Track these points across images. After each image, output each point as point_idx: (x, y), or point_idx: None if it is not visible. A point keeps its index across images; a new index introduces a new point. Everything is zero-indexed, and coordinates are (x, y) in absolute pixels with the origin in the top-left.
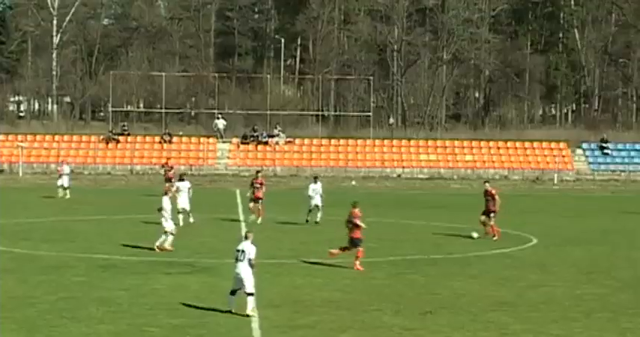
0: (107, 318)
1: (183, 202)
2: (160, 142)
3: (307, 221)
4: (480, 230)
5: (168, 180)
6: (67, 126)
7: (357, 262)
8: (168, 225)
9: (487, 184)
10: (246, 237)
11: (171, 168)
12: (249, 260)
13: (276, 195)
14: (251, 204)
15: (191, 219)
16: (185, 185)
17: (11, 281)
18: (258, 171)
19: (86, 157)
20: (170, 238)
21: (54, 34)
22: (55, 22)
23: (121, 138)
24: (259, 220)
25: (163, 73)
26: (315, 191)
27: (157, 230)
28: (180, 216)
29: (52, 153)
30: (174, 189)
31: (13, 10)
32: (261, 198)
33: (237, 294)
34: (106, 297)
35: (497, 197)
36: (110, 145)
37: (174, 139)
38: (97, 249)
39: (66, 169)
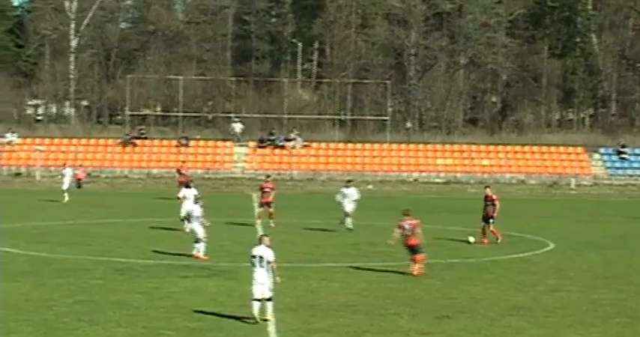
0: (124, 321)
1: (189, 208)
2: (177, 146)
3: (342, 222)
4: (477, 234)
5: (187, 185)
6: (85, 130)
7: (417, 266)
8: (200, 231)
9: (488, 189)
10: (260, 241)
11: (186, 171)
12: (270, 264)
13: (292, 199)
14: (260, 209)
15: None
16: (191, 192)
17: (28, 284)
18: (267, 176)
19: (103, 161)
20: (203, 245)
21: (71, 37)
22: (72, 25)
23: (138, 141)
24: (272, 223)
25: (180, 77)
26: (348, 196)
27: (174, 234)
28: (187, 222)
29: (70, 157)
30: (180, 195)
31: (31, 14)
32: (271, 203)
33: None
34: (123, 300)
35: (497, 202)
36: (127, 149)
37: (191, 143)
38: (114, 252)
39: (68, 172)
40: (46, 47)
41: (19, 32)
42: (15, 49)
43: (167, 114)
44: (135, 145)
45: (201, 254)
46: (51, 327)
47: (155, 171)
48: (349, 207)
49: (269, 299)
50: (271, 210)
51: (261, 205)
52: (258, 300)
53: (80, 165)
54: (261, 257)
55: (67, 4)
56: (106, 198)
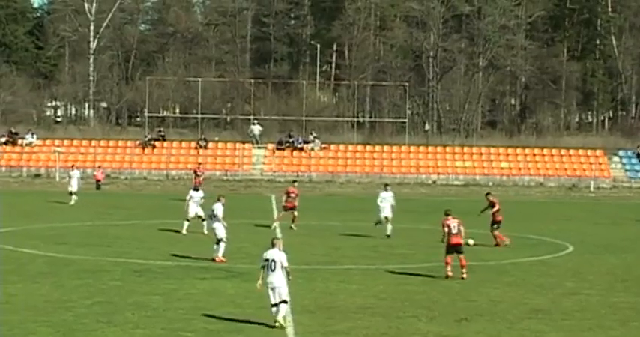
0: (143, 323)
1: (194, 210)
2: (196, 147)
3: (378, 224)
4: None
5: (195, 188)
6: (104, 131)
7: (464, 270)
8: (220, 232)
9: (490, 196)
10: (273, 245)
11: (202, 173)
12: (285, 268)
13: (310, 201)
14: (283, 213)
15: (204, 230)
16: (199, 195)
17: (47, 285)
18: (294, 181)
19: (122, 162)
20: (223, 246)
21: (91, 39)
22: (92, 27)
23: (157, 143)
24: (294, 227)
25: (199, 79)
26: (386, 200)
27: (192, 236)
28: (186, 224)
29: (89, 158)
30: (187, 197)
31: (51, 16)
32: (295, 207)
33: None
34: (142, 302)
35: (497, 206)
36: (146, 150)
37: (210, 145)
38: (132, 253)
39: (76, 174)
40: (66, 49)
41: (39, 34)
42: (35, 50)
43: (186, 115)
44: (154, 147)
45: (219, 255)
46: (70, 328)
47: (174, 172)
48: (387, 211)
49: (285, 302)
50: (295, 213)
51: (286, 209)
52: (276, 305)
53: (99, 167)
54: (274, 260)
55: (86, 5)
56: (125, 199)
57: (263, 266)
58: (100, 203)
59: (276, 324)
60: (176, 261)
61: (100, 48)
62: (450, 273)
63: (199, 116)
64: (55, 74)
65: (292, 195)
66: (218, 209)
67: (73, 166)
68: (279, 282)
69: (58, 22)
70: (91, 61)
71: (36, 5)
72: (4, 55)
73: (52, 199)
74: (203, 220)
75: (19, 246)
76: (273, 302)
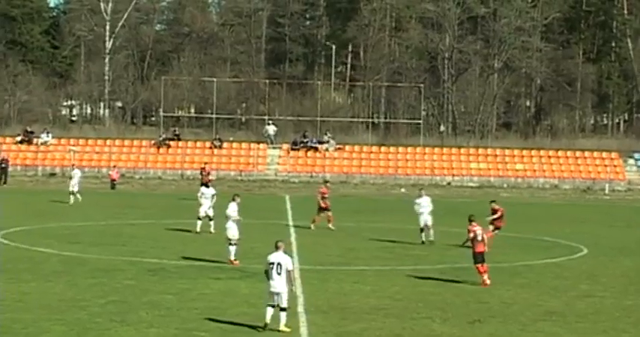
0: (156, 322)
1: (205, 209)
2: (211, 147)
3: (423, 242)
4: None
5: (205, 185)
6: (119, 131)
7: (485, 276)
8: (231, 233)
9: (494, 203)
10: (277, 247)
11: (209, 173)
12: (289, 273)
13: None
14: (319, 215)
15: (212, 229)
16: (209, 192)
17: (62, 284)
18: (326, 181)
19: (137, 162)
20: (234, 248)
21: (106, 39)
22: (107, 27)
23: (171, 143)
24: (332, 227)
25: (214, 79)
26: (422, 206)
27: (206, 236)
28: (199, 223)
29: (104, 158)
30: (198, 194)
31: (67, 15)
32: (328, 207)
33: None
34: (156, 301)
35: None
36: (161, 150)
37: (225, 145)
38: (146, 253)
39: (77, 174)
40: (82, 48)
41: (54, 33)
42: (50, 49)
43: (201, 115)
44: (169, 146)
45: (231, 258)
46: (84, 327)
47: (189, 172)
48: (425, 219)
49: (283, 309)
50: (329, 213)
51: (321, 210)
52: (272, 306)
53: (114, 166)
54: (279, 264)
55: (102, 5)
56: (140, 198)
57: (267, 270)
58: (115, 202)
59: (278, 331)
60: (190, 261)
61: (116, 47)
62: (487, 281)
63: (214, 116)
64: (70, 73)
65: (326, 195)
66: (232, 208)
67: (73, 166)
68: (281, 287)
69: (73, 21)
70: (107, 60)
71: (52, 4)
72: (20, 54)
73: (66, 198)
74: (210, 220)
75: (34, 244)
76: (269, 302)
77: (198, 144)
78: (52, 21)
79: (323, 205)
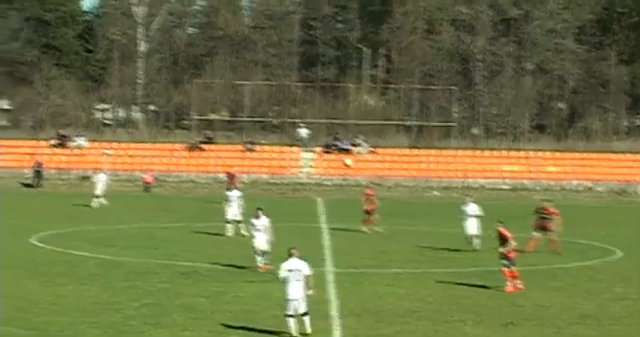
0: (190, 325)
1: (233, 212)
2: (243, 151)
3: (475, 249)
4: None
5: (230, 188)
6: (152, 134)
7: (517, 282)
8: (258, 243)
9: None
10: (290, 255)
11: (233, 176)
12: (307, 277)
13: (358, 205)
14: (367, 216)
15: (243, 232)
16: (234, 194)
17: (96, 287)
18: (371, 183)
19: (170, 165)
20: (260, 258)
21: (140, 42)
22: (140, 30)
23: (204, 146)
24: (379, 229)
25: (247, 82)
26: (468, 214)
27: (238, 239)
28: (229, 226)
29: (137, 161)
30: (225, 199)
31: (100, 19)
32: (372, 210)
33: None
34: (189, 304)
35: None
36: (194, 153)
37: (257, 148)
38: (180, 256)
39: (101, 178)
40: (115, 52)
41: (88, 37)
42: (84, 53)
43: (233, 119)
44: (201, 150)
45: (260, 265)
46: (118, 330)
47: (221, 175)
48: (471, 228)
49: (305, 314)
50: (376, 215)
51: (368, 212)
52: (292, 316)
53: (148, 170)
54: (298, 270)
55: (135, 9)
56: (173, 202)
57: (284, 278)
58: (148, 205)
59: (305, 334)
60: (223, 264)
61: (149, 51)
62: (520, 286)
63: (247, 119)
64: (104, 77)
65: (371, 197)
66: (260, 221)
67: (98, 170)
68: (297, 294)
69: (107, 25)
70: (140, 64)
71: (85, 8)
72: (53, 58)
73: (106, 202)
74: (239, 222)
75: (69, 247)
76: (288, 313)
77: (231, 147)
78: (85, 25)
79: (368, 207)
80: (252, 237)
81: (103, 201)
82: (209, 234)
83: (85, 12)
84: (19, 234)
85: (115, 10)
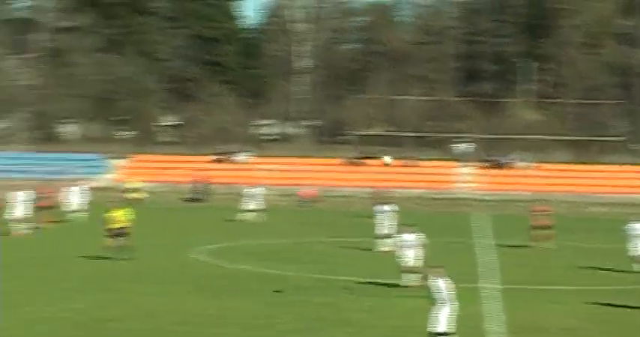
0: None
1: (384, 227)
2: (403, 166)
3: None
4: None
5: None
6: (313, 149)
7: None
8: (406, 258)
9: None
10: (436, 273)
11: (380, 192)
12: (443, 297)
13: (520, 221)
14: (542, 232)
15: (389, 248)
16: (383, 209)
17: (256, 301)
18: (540, 200)
19: (328, 180)
20: (408, 276)
21: (299, 58)
22: (301, 47)
23: (364, 161)
24: (551, 245)
25: (405, 97)
26: (634, 233)
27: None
28: (380, 241)
29: (296, 176)
30: (374, 213)
31: (262, 36)
32: (542, 226)
33: None
34: (347, 319)
35: None
36: (352, 168)
37: (417, 163)
38: (337, 271)
39: (257, 192)
40: (275, 68)
41: (249, 53)
42: (245, 70)
43: (393, 133)
44: (362, 165)
45: (411, 282)
46: None
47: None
48: (637, 247)
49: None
50: (551, 231)
51: (539, 228)
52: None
53: (306, 184)
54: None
55: (296, 25)
56: (331, 216)
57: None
58: (307, 220)
59: None
60: (384, 278)
61: (309, 67)
62: None
63: (406, 134)
64: (264, 93)
65: (544, 213)
66: (410, 237)
67: (255, 184)
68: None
69: (268, 41)
70: (299, 79)
71: (247, 26)
72: (215, 75)
73: (260, 216)
74: (387, 238)
75: (229, 262)
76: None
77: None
78: (246, 41)
79: (537, 223)
80: (400, 253)
81: (260, 215)
82: (363, 249)
83: (246, 29)
84: (181, 248)
85: (275, 27)
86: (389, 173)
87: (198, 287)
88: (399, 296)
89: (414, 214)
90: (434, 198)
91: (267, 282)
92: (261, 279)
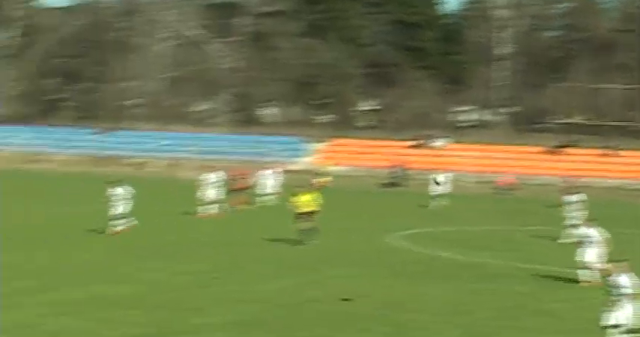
0: (546, 329)
1: (571, 217)
2: (604, 155)
3: None
4: None
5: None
6: (509, 137)
7: None
8: (588, 256)
9: None
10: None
11: (569, 181)
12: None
13: None
14: None
15: (568, 239)
16: (572, 199)
17: (452, 288)
18: None
19: (527, 168)
20: (584, 273)
21: (500, 45)
22: (501, 33)
23: (565, 149)
24: None
25: (608, 85)
26: None
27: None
28: (566, 232)
29: (494, 163)
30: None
31: (463, 22)
32: None
33: None
34: (547, 309)
35: None
36: (552, 157)
37: (621, 153)
38: (535, 259)
39: (442, 179)
40: (476, 54)
41: (449, 39)
42: (446, 56)
43: (594, 122)
44: (560, 154)
45: (586, 279)
46: (477, 331)
47: (581, 179)
48: None
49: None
50: None
51: None
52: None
53: (505, 172)
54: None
55: (497, 11)
56: (529, 205)
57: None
58: (504, 208)
59: None
60: (573, 269)
61: (509, 53)
62: None
63: (609, 123)
64: (465, 79)
65: None
66: (590, 232)
67: (437, 170)
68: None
69: (469, 27)
70: (499, 66)
71: (447, 11)
72: (415, 60)
73: (462, 203)
74: (572, 228)
75: (425, 247)
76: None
77: (591, 151)
78: (447, 27)
79: None
80: (579, 248)
81: (442, 201)
82: (555, 239)
83: (447, 15)
84: (376, 232)
85: (477, 13)
86: (589, 163)
87: (394, 272)
88: (590, 288)
89: (612, 205)
90: (635, 189)
91: (464, 269)
92: (457, 266)
